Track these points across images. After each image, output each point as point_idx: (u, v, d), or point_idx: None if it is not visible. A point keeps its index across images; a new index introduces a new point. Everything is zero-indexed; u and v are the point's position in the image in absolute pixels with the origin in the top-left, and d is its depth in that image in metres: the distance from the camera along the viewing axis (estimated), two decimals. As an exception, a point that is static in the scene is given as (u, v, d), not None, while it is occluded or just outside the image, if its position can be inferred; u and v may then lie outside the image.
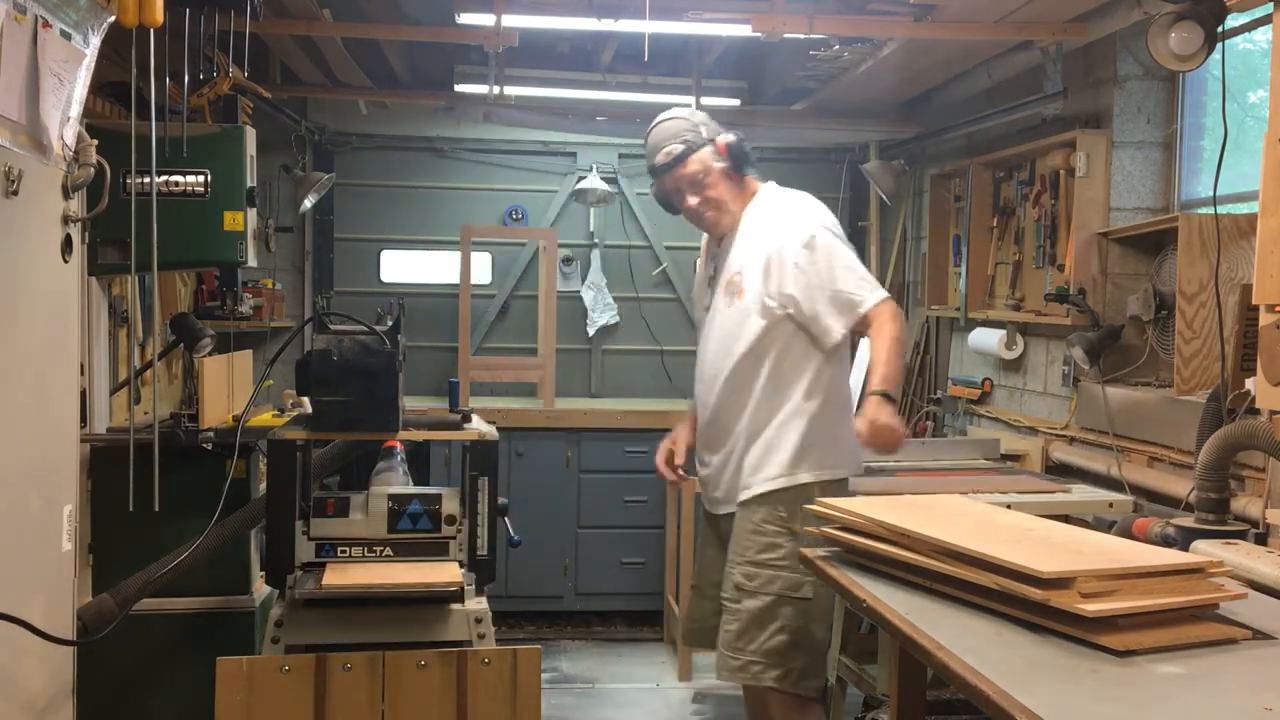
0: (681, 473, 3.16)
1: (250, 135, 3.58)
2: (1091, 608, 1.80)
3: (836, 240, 2.91)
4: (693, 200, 3.01)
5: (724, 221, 3.03)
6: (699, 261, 3.27)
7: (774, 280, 2.88)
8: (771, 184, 3.09)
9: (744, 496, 2.94)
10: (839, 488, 2.98)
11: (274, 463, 2.79)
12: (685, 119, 3.01)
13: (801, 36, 4.32)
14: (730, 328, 2.96)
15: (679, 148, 2.97)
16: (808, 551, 2.54)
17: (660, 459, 3.15)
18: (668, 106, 3.15)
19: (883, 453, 2.83)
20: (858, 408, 2.87)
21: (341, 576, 2.71)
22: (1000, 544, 2.05)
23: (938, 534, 2.13)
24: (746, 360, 2.94)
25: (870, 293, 2.86)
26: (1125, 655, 1.77)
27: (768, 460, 2.92)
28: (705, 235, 3.20)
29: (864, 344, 6.11)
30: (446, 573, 2.75)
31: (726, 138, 2.99)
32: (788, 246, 2.87)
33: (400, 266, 6.35)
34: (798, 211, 2.96)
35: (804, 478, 2.91)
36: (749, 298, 2.92)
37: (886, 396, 2.78)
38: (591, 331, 6.36)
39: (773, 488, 2.90)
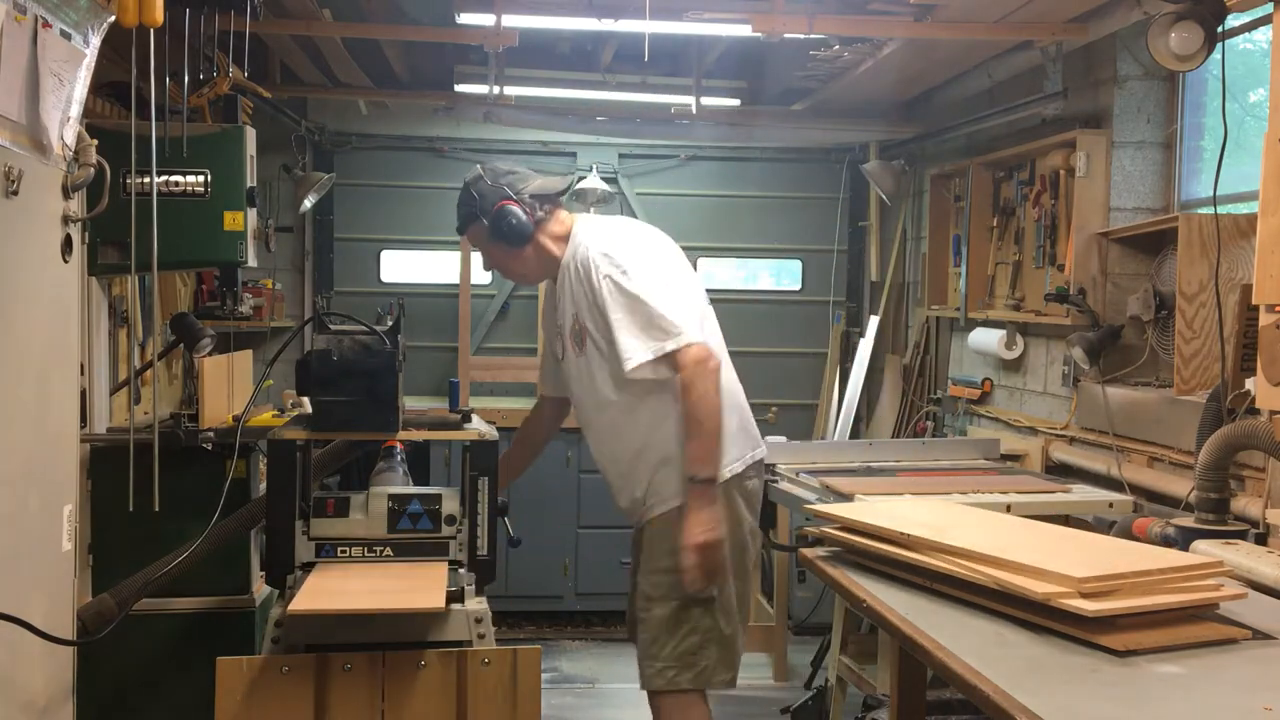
0: None
1: (250, 135, 3.58)
2: (1092, 607, 1.80)
3: (630, 283, 2.78)
4: (486, 262, 3.08)
5: (533, 275, 3.04)
6: (544, 309, 3.24)
7: (598, 324, 2.83)
8: (582, 220, 3.00)
9: (648, 516, 2.94)
10: (747, 475, 2.93)
11: (274, 463, 2.78)
12: (466, 188, 2.97)
13: (801, 36, 4.32)
14: (585, 375, 2.93)
15: (458, 221, 3.01)
16: (807, 552, 2.54)
17: None
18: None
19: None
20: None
21: (314, 599, 2.57)
22: (1019, 551, 2.05)
23: (954, 542, 2.13)
24: (611, 404, 2.90)
25: (639, 352, 2.76)
26: (1125, 655, 1.77)
27: (663, 483, 2.88)
28: None
29: (863, 344, 6.15)
30: (431, 588, 2.64)
31: (496, 210, 2.90)
32: (594, 294, 2.81)
33: (400, 266, 6.35)
34: (594, 255, 2.84)
35: (674, 502, 2.88)
36: (590, 347, 2.88)
37: (704, 483, 2.77)
38: (591, 331, 6.35)
39: (674, 506, 2.86)
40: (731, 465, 2.88)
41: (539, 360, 5.85)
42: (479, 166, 3.03)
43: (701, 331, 2.81)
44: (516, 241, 2.93)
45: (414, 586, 2.66)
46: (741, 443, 2.92)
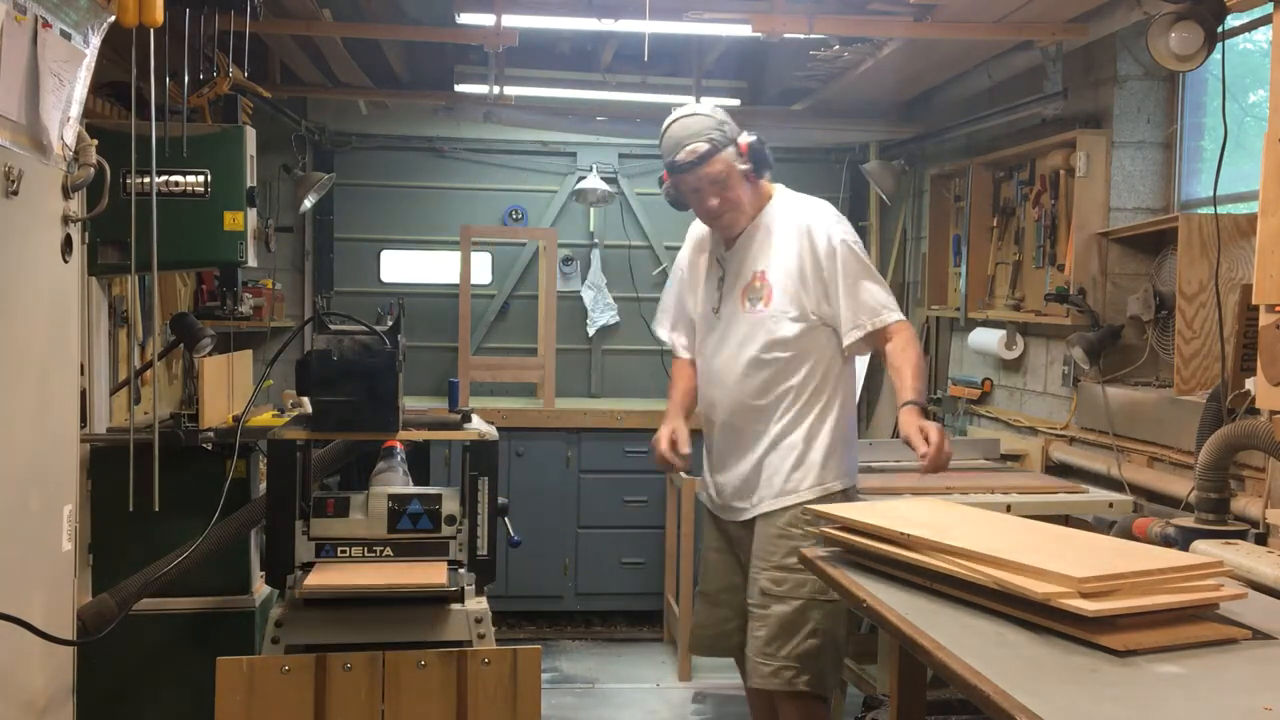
0: (684, 460, 3.05)
1: (250, 135, 3.58)
2: (1092, 607, 1.80)
3: (863, 252, 2.97)
4: (713, 201, 2.95)
5: (740, 222, 3.00)
6: (686, 259, 3.21)
7: (809, 286, 2.90)
8: (782, 187, 3.08)
9: (774, 506, 2.92)
10: (853, 492, 3.02)
11: (274, 463, 2.79)
12: (709, 116, 2.94)
13: (801, 36, 4.32)
14: (752, 333, 2.94)
15: (704, 146, 2.90)
16: (807, 552, 2.54)
17: (664, 445, 2.99)
18: (668, 107, 3.12)
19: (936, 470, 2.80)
20: (894, 427, 2.93)
21: (324, 577, 2.71)
22: (1020, 551, 2.05)
23: (954, 542, 2.13)
24: (772, 366, 2.92)
25: (895, 309, 2.93)
26: (1126, 655, 1.77)
27: (797, 468, 2.92)
28: (695, 233, 3.18)
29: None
30: (435, 573, 2.73)
31: (749, 139, 2.95)
32: (822, 254, 2.89)
33: (400, 266, 6.35)
34: (827, 219, 2.96)
35: (834, 485, 2.94)
36: (778, 303, 2.91)
37: (921, 408, 2.83)
38: (591, 331, 6.36)
39: (806, 498, 2.89)
40: (854, 477, 3.01)
41: (540, 360, 5.93)
42: (700, 105, 3.03)
43: None
44: (765, 170, 2.97)
45: (415, 570, 2.75)
46: (856, 459, 3.07)
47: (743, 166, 2.93)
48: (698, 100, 5.52)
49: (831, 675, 2.88)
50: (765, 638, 2.85)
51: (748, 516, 2.97)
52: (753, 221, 2.99)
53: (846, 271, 2.89)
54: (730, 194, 2.94)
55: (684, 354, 3.20)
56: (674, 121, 2.96)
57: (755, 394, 2.95)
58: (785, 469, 2.92)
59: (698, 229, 3.18)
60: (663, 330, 3.26)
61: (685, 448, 3.01)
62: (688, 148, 2.90)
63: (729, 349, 2.98)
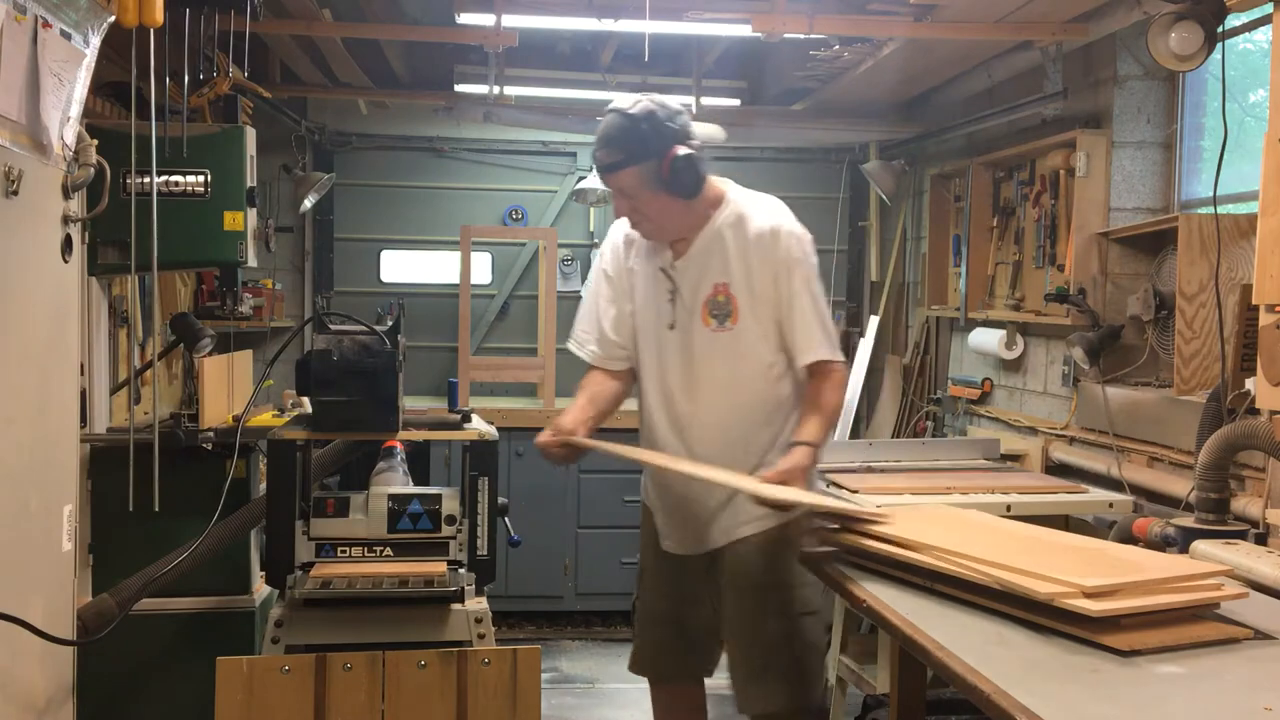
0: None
1: (250, 135, 3.58)
2: (1096, 607, 1.80)
3: (817, 274, 2.70)
4: (625, 210, 2.68)
5: (672, 230, 2.70)
6: (610, 265, 2.87)
7: (771, 299, 2.64)
8: (734, 186, 2.75)
9: (754, 530, 2.67)
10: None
11: (274, 463, 2.79)
12: (636, 120, 2.57)
13: (801, 36, 4.32)
14: (723, 352, 2.66)
15: (616, 156, 2.59)
16: (807, 551, 2.54)
17: (544, 437, 2.69)
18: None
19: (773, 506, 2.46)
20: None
21: (329, 570, 2.74)
22: (1020, 556, 2.05)
23: (956, 547, 2.13)
24: (749, 387, 2.68)
25: (834, 348, 2.67)
26: (1129, 655, 1.77)
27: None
28: (623, 237, 2.85)
29: (863, 344, 6.14)
30: (433, 564, 2.77)
31: (677, 152, 2.56)
32: (780, 268, 2.63)
33: (400, 266, 6.35)
34: (787, 232, 2.65)
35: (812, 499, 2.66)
36: (747, 320, 2.64)
37: (812, 451, 2.55)
38: (591, 331, 6.35)
39: (773, 525, 2.62)
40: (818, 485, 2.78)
41: (540, 360, 5.93)
42: (645, 98, 2.62)
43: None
44: (689, 193, 2.60)
45: (417, 564, 2.76)
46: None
47: (660, 185, 2.58)
48: (697, 101, 5.55)
49: (819, 682, 2.74)
50: (760, 663, 2.66)
51: (712, 547, 2.72)
52: (704, 230, 2.68)
53: (797, 295, 2.63)
54: (645, 208, 2.64)
55: (619, 365, 2.84)
56: (605, 115, 2.65)
57: (724, 417, 2.69)
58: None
59: (622, 232, 2.85)
60: (584, 352, 2.88)
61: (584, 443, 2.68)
62: (601, 150, 2.63)
63: (696, 369, 2.70)
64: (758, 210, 2.69)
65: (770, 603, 2.67)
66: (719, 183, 2.72)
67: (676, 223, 2.68)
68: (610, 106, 2.64)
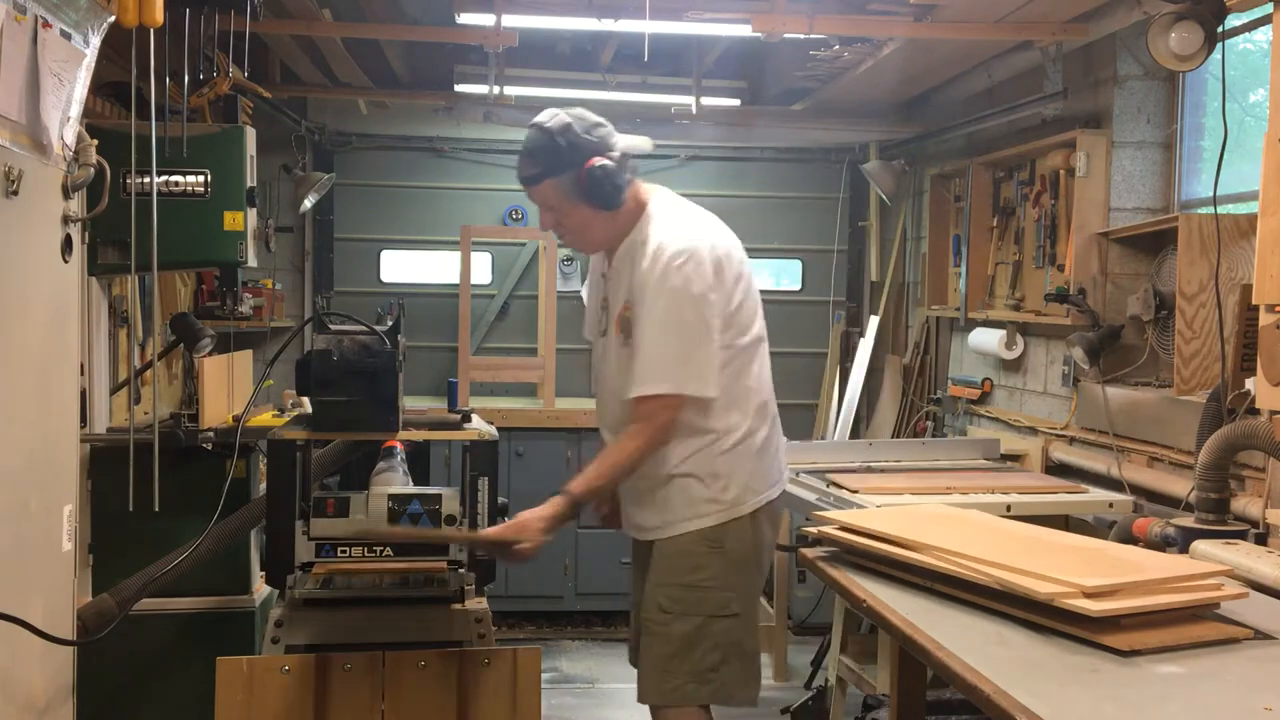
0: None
1: (250, 135, 3.58)
2: (1096, 607, 1.80)
3: (689, 306, 2.56)
4: (549, 221, 2.70)
5: (596, 243, 2.73)
6: (591, 262, 2.91)
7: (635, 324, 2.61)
8: (660, 195, 2.72)
9: (675, 532, 2.67)
10: (776, 504, 2.77)
11: (274, 463, 2.78)
12: (551, 135, 2.58)
13: (801, 36, 4.32)
14: (622, 364, 2.65)
15: (535, 169, 2.61)
16: (807, 552, 2.54)
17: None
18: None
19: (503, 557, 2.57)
20: None
21: (329, 570, 2.74)
22: (1020, 557, 2.05)
23: (955, 547, 2.13)
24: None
25: (659, 384, 2.55)
26: (1128, 655, 1.77)
27: (695, 498, 2.64)
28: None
29: (863, 344, 6.14)
30: (434, 568, 2.78)
31: (594, 164, 2.56)
32: (652, 290, 2.56)
33: (400, 266, 6.35)
34: (674, 250, 2.57)
35: (741, 510, 2.65)
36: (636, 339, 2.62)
37: (571, 502, 2.59)
38: (591, 331, 6.35)
39: (707, 525, 2.63)
40: (768, 492, 2.70)
41: (540, 360, 5.93)
42: (563, 112, 2.63)
43: (718, 382, 2.60)
44: (607, 205, 2.61)
45: (417, 564, 2.77)
46: (775, 470, 2.75)
47: (576, 197, 2.60)
48: (697, 101, 5.55)
49: (740, 685, 2.68)
50: (666, 655, 2.64)
51: (649, 539, 2.75)
52: (626, 240, 2.66)
53: (641, 321, 2.58)
54: (566, 220, 2.66)
55: None
56: (528, 128, 2.65)
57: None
58: (684, 500, 2.65)
59: None
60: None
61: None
62: (521, 164, 2.65)
63: (610, 382, 2.72)
64: (658, 227, 2.64)
65: (683, 602, 2.64)
66: (649, 192, 2.71)
67: (599, 234, 2.70)
68: (531, 122, 2.65)
